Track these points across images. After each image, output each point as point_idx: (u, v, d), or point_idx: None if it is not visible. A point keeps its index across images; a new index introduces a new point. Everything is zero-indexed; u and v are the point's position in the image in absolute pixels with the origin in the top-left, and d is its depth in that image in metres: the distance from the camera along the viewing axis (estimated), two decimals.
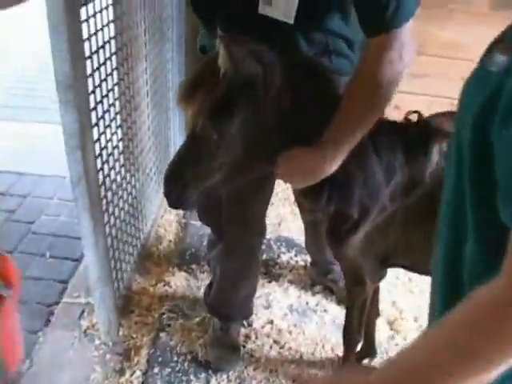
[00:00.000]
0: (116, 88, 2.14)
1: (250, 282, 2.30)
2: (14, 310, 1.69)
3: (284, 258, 2.91)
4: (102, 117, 1.99)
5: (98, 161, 1.96)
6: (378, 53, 1.40)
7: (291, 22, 1.51)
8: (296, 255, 2.93)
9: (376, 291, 2.12)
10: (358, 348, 2.15)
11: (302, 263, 2.87)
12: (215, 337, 2.31)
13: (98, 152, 1.94)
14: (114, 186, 2.22)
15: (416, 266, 1.78)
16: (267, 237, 3.03)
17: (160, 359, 2.24)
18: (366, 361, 2.28)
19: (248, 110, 1.39)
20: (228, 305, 2.30)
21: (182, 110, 1.48)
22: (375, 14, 1.38)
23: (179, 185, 1.45)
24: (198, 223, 3.07)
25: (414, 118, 1.61)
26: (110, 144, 2.11)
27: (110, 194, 2.16)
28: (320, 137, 1.47)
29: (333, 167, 1.48)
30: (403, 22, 1.37)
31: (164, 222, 3.12)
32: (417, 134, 1.57)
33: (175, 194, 1.47)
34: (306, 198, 1.69)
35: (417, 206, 1.59)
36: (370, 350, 2.27)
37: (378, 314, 2.23)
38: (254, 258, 2.24)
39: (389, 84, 1.41)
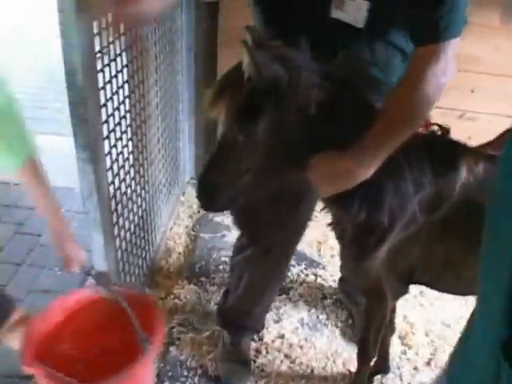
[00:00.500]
0: (127, 100, 2.13)
1: (273, 293, 2.29)
2: (150, 363, 1.69)
3: (294, 271, 2.88)
4: (113, 130, 1.98)
5: (109, 174, 1.95)
6: (424, 63, 1.41)
7: (361, 26, 1.55)
8: (306, 268, 2.91)
9: (393, 308, 2.09)
10: (372, 364, 2.12)
11: (313, 277, 2.85)
12: (225, 351, 2.28)
13: (109, 165, 1.93)
14: (124, 199, 2.20)
15: (436, 283, 1.75)
16: None
17: (170, 374, 2.22)
18: (378, 376, 2.26)
19: (273, 114, 1.38)
20: (247, 315, 2.27)
21: (209, 115, 1.49)
22: (430, 23, 1.40)
23: (209, 187, 1.47)
24: (207, 235, 3.09)
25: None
26: (120, 157, 2.10)
27: (120, 206, 2.14)
28: (349, 147, 1.45)
29: (367, 174, 1.46)
30: (453, 36, 1.40)
31: (173, 234, 3.11)
32: (445, 149, 1.56)
33: (205, 197, 1.48)
34: (335, 206, 1.64)
35: (441, 222, 1.57)
36: (383, 365, 2.24)
37: (393, 331, 2.20)
38: (284, 268, 2.24)
39: (430, 97, 1.41)
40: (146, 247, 2.62)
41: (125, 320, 1.62)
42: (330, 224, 1.77)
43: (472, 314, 0.99)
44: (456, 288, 1.75)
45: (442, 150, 1.56)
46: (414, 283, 1.82)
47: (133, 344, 1.61)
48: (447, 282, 1.72)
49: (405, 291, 1.85)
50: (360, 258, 1.73)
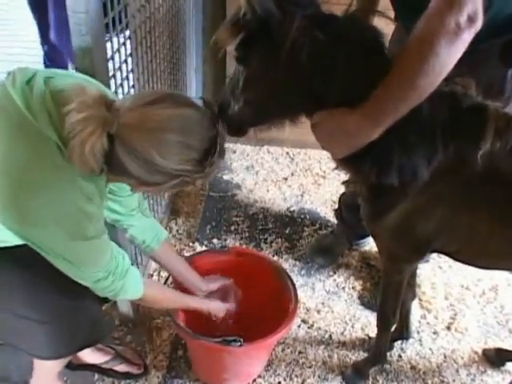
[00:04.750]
0: (134, 54, 1.99)
1: None
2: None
3: (308, 231, 2.79)
4: (121, 84, 1.87)
5: None
6: (433, 14, 1.26)
7: None
8: (320, 228, 2.81)
9: (414, 273, 2.01)
10: (392, 329, 2.05)
11: None
12: None
13: None
14: None
15: (461, 255, 1.65)
16: (290, 209, 2.93)
17: (183, 342, 2.14)
18: (398, 342, 2.19)
19: (264, 51, 1.38)
20: None
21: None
22: None
23: (222, 110, 1.49)
24: (217, 194, 2.98)
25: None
26: None
27: None
28: (351, 102, 1.37)
29: (376, 131, 1.37)
30: None
31: (181, 193, 3.01)
32: (471, 111, 1.42)
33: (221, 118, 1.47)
34: (347, 166, 1.57)
35: (465, 191, 1.46)
36: (404, 331, 2.17)
37: (414, 296, 2.12)
38: None
39: (442, 50, 1.25)
40: (154, 207, 2.52)
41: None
42: (344, 182, 1.74)
43: None
44: (479, 261, 1.66)
45: (467, 112, 1.42)
46: (438, 252, 1.73)
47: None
48: (471, 254, 1.62)
49: (424, 258, 1.76)
50: (373, 219, 1.66)
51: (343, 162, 1.56)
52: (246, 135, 1.61)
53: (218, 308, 1.87)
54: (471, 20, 1.23)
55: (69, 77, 1.32)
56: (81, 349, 1.62)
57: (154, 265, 2.43)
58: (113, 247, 1.38)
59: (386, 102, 1.34)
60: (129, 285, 1.43)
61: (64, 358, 1.59)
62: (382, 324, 1.96)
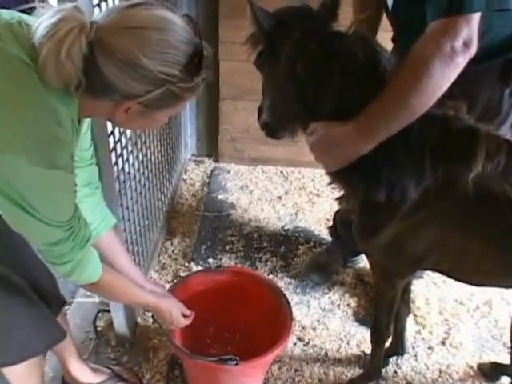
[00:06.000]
0: None
1: None
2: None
3: (303, 249, 2.81)
4: None
5: (113, 154, 1.86)
6: (429, 37, 1.32)
7: None
8: (315, 246, 2.83)
9: (407, 288, 2.02)
10: (387, 345, 2.06)
11: None
12: None
13: (112, 146, 1.84)
14: (127, 179, 2.12)
15: (454, 273, 1.67)
16: (285, 228, 2.95)
17: (180, 361, 2.15)
18: (394, 358, 2.20)
19: (268, 64, 1.56)
20: None
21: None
22: None
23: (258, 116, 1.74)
24: (212, 214, 3.00)
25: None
26: (123, 136, 2.01)
27: (123, 187, 2.07)
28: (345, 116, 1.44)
29: (366, 145, 1.42)
30: (464, 8, 1.27)
31: (177, 213, 3.04)
32: (462, 133, 1.45)
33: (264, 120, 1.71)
34: (339, 181, 1.62)
35: (457, 211, 1.48)
36: (398, 347, 2.18)
37: (409, 312, 2.13)
38: None
39: (436, 71, 1.29)
40: (149, 228, 2.54)
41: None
42: (337, 198, 1.75)
43: None
44: (473, 279, 1.68)
45: (458, 135, 1.45)
46: (430, 270, 1.77)
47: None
48: (464, 272, 1.65)
49: (416, 275, 1.79)
50: (364, 237, 1.69)
51: (335, 177, 1.60)
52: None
53: (177, 314, 1.73)
54: (466, 45, 1.28)
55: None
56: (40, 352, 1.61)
57: None
58: (77, 205, 1.26)
59: (378, 117, 1.39)
60: (88, 261, 1.31)
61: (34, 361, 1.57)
62: (376, 339, 1.97)
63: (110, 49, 1.05)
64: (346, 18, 1.57)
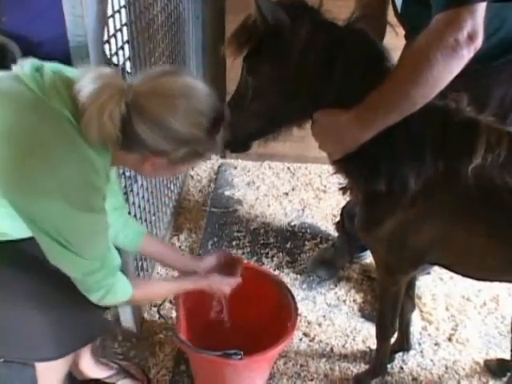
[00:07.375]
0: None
1: None
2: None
3: (309, 245, 2.81)
4: None
5: None
6: (432, 29, 1.30)
7: None
8: (321, 242, 2.83)
9: (412, 284, 2.02)
10: (392, 340, 2.06)
11: None
12: None
13: None
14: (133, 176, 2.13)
15: (456, 267, 1.67)
16: (291, 223, 2.95)
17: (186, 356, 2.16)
18: (400, 354, 2.20)
19: (274, 58, 1.47)
20: None
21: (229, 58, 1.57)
22: None
23: (229, 129, 1.50)
24: (218, 210, 3.00)
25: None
26: None
27: (130, 183, 2.08)
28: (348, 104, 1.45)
29: (366, 133, 1.44)
30: (471, 1, 1.25)
31: (183, 210, 3.04)
32: (463, 125, 1.45)
33: (226, 138, 1.51)
34: (343, 170, 1.63)
35: (460, 204, 1.48)
36: (404, 342, 2.18)
37: (413, 308, 2.12)
38: None
39: (438, 63, 1.28)
40: (157, 224, 2.55)
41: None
42: (340, 189, 1.75)
43: None
44: (476, 273, 1.67)
45: (459, 126, 1.45)
46: (434, 264, 1.76)
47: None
48: (467, 266, 1.64)
49: (419, 269, 1.78)
50: (366, 229, 1.69)
51: (339, 166, 1.62)
52: (248, 150, 1.69)
53: (218, 282, 1.76)
54: (471, 38, 1.27)
55: (74, 71, 1.34)
56: (85, 344, 1.65)
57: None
58: (109, 236, 1.39)
59: (377, 107, 1.40)
60: (118, 285, 1.42)
61: (68, 356, 1.59)
62: (381, 334, 1.97)
63: (145, 112, 1.20)
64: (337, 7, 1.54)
